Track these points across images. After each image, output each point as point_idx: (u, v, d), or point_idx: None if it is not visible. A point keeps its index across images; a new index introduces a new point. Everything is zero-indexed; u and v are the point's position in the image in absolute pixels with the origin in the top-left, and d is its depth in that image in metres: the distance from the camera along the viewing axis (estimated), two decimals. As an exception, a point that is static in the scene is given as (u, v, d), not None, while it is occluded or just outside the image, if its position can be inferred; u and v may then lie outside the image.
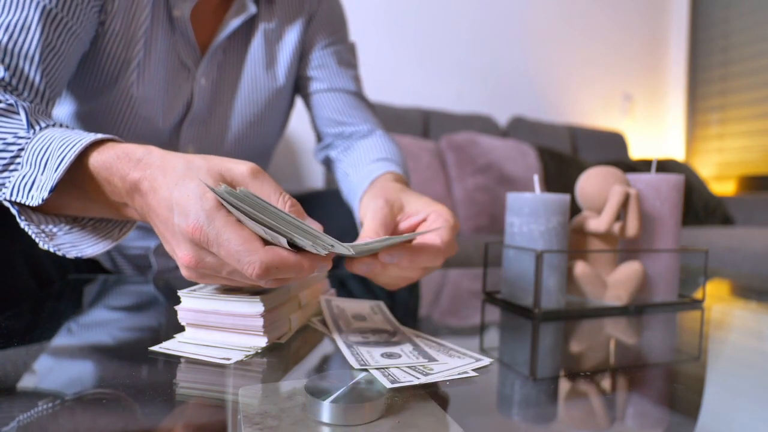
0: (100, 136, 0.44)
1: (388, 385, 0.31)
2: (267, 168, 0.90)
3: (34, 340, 0.42)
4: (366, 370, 0.34)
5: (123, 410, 0.29)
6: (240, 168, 0.37)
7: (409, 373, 0.34)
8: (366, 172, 0.69)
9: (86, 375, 0.35)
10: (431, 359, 0.37)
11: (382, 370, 0.34)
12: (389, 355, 0.37)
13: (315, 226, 0.36)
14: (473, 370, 0.36)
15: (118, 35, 0.64)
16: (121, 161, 0.41)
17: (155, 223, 0.39)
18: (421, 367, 0.35)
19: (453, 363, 0.37)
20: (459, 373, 0.35)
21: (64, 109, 0.70)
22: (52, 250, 0.45)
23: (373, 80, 1.90)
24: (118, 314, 0.53)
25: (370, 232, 0.45)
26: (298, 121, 1.56)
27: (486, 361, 0.38)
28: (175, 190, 0.36)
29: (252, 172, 0.37)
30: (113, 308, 0.56)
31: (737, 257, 1.60)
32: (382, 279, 0.46)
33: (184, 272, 0.37)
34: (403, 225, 0.49)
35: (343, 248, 0.35)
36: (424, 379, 0.33)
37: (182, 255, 0.36)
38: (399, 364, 0.35)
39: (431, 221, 0.48)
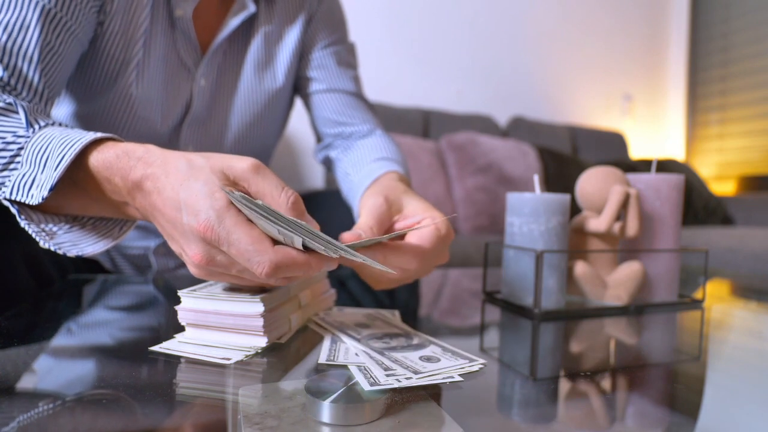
0: (99, 134, 0.44)
1: (367, 387, 0.30)
2: (267, 168, 0.90)
3: (34, 340, 0.42)
4: (333, 366, 0.35)
5: (123, 410, 0.29)
6: (241, 164, 0.37)
7: (393, 374, 0.33)
8: (367, 171, 0.69)
9: (86, 375, 0.35)
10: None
11: (364, 371, 0.34)
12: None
13: (312, 225, 0.37)
14: (460, 375, 0.34)
15: (117, 35, 0.64)
16: (121, 160, 0.41)
17: (160, 222, 0.39)
18: (410, 368, 0.34)
19: (443, 365, 0.36)
20: (444, 378, 0.33)
21: (63, 109, 0.70)
22: (52, 248, 0.45)
23: (373, 80, 1.90)
24: (118, 314, 0.53)
25: (364, 225, 0.45)
26: (298, 121, 1.56)
27: (476, 365, 0.36)
28: (182, 190, 0.36)
29: (253, 168, 0.37)
30: (113, 308, 0.56)
31: (737, 257, 1.60)
32: (364, 274, 0.46)
33: (194, 270, 0.38)
34: (398, 225, 0.49)
35: (349, 255, 0.35)
36: (405, 383, 0.32)
37: (193, 254, 0.36)
38: (376, 364, 0.35)
39: (423, 225, 0.47)
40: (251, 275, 0.36)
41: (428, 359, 0.37)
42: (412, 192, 0.55)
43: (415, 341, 0.41)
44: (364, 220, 0.47)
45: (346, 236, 0.43)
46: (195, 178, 0.36)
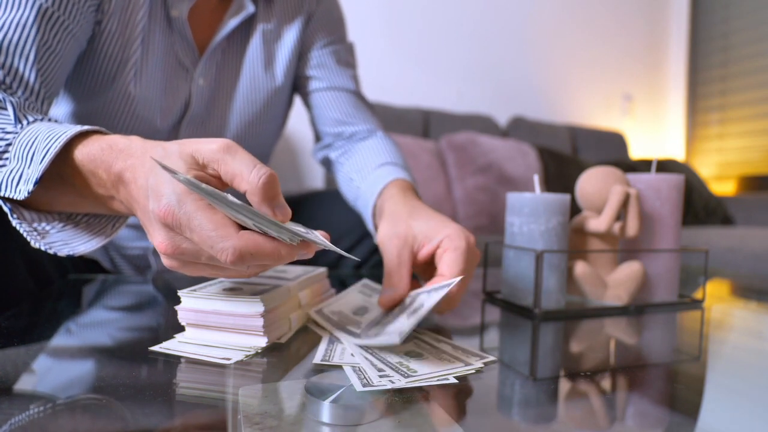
0: (85, 127, 0.43)
1: (359, 388, 0.30)
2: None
3: (34, 340, 0.42)
4: (328, 366, 0.35)
5: (123, 410, 0.29)
6: (210, 146, 0.35)
7: (387, 375, 0.33)
8: (373, 179, 0.69)
9: (86, 375, 0.35)
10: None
11: (358, 372, 0.33)
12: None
13: (285, 212, 0.35)
14: (456, 377, 0.34)
15: (115, 35, 0.64)
16: (105, 153, 0.41)
17: (137, 213, 0.39)
18: (404, 369, 0.34)
19: (439, 367, 0.35)
20: (438, 380, 0.33)
21: (62, 108, 0.70)
22: (43, 248, 0.45)
23: (373, 80, 1.89)
24: (117, 314, 0.53)
25: (400, 285, 0.47)
26: (298, 120, 1.56)
27: (473, 366, 0.36)
28: (151, 176, 0.35)
29: (223, 148, 0.35)
30: (113, 308, 0.56)
31: (737, 257, 1.60)
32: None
33: (165, 261, 0.36)
34: (422, 254, 0.50)
35: (311, 237, 0.34)
36: (398, 384, 0.31)
37: (158, 242, 0.35)
38: (370, 365, 0.35)
39: (444, 249, 0.48)
40: (219, 264, 0.35)
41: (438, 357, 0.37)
42: (418, 207, 0.55)
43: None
44: (395, 274, 0.48)
45: (385, 301, 0.46)
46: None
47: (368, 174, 0.73)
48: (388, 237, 0.51)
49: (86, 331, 0.48)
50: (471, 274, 0.48)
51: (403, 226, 0.51)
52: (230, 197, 0.33)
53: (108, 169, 0.40)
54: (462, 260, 0.47)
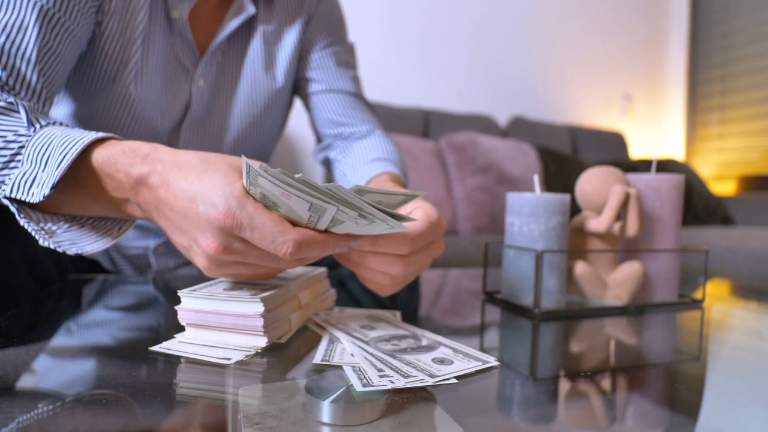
0: (101, 134, 0.44)
1: (359, 388, 0.30)
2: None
3: (34, 340, 0.42)
4: (328, 366, 0.35)
5: (123, 410, 0.29)
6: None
7: (387, 375, 0.33)
8: (362, 173, 0.70)
9: (86, 375, 0.35)
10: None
11: (358, 372, 0.33)
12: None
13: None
14: (455, 377, 0.34)
15: (115, 36, 0.64)
16: (126, 156, 0.42)
17: (167, 216, 0.40)
18: (404, 369, 0.34)
19: (457, 368, 0.36)
20: (441, 380, 0.33)
21: (62, 109, 0.70)
22: (52, 246, 0.45)
23: (373, 80, 1.89)
24: (118, 314, 0.53)
25: None
26: (298, 121, 1.56)
27: (474, 367, 0.36)
28: (197, 181, 0.37)
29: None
30: (113, 308, 0.56)
31: (737, 257, 1.60)
32: (361, 271, 0.44)
33: (203, 262, 0.38)
34: None
35: (381, 214, 0.36)
36: (398, 384, 0.31)
37: (208, 243, 0.37)
38: (370, 365, 0.35)
39: (414, 215, 0.45)
40: (265, 260, 0.38)
41: (441, 361, 0.37)
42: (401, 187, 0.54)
43: (424, 342, 0.41)
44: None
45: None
46: (213, 171, 0.37)
47: (359, 169, 0.73)
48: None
49: (86, 331, 0.48)
50: (428, 255, 0.45)
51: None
52: (319, 185, 0.34)
53: (128, 172, 0.41)
54: (426, 224, 0.43)
